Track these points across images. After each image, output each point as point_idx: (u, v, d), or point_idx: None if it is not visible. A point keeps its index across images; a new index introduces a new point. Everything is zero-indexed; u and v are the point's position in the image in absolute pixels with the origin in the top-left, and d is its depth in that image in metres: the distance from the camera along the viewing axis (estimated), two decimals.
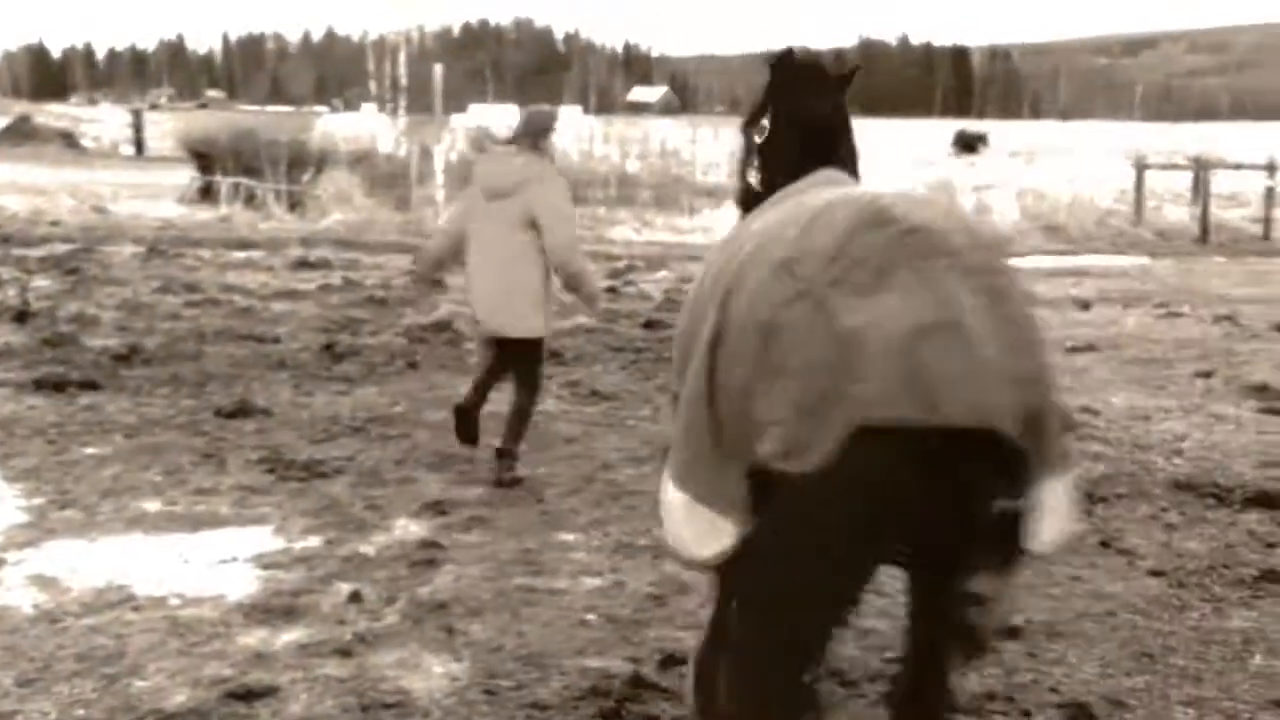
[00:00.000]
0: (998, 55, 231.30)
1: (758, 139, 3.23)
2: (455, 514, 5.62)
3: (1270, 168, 22.96)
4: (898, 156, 29.08)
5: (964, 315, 2.29)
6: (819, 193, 2.74)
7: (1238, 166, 27.23)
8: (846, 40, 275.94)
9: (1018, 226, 22.12)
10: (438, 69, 22.39)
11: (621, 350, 10.01)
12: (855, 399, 2.24)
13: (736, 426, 2.46)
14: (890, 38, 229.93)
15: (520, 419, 6.24)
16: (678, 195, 24.07)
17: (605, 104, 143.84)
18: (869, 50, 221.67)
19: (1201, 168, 23.97)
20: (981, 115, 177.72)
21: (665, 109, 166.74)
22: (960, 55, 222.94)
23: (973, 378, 2.25)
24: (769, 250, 2.50)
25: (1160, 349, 10.63)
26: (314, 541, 5.18)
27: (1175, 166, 27.68)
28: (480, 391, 6.37)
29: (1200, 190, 23.31)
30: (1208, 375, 9.38)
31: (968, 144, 50.51)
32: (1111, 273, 17.34)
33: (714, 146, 27.36)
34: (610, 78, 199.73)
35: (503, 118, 27.24)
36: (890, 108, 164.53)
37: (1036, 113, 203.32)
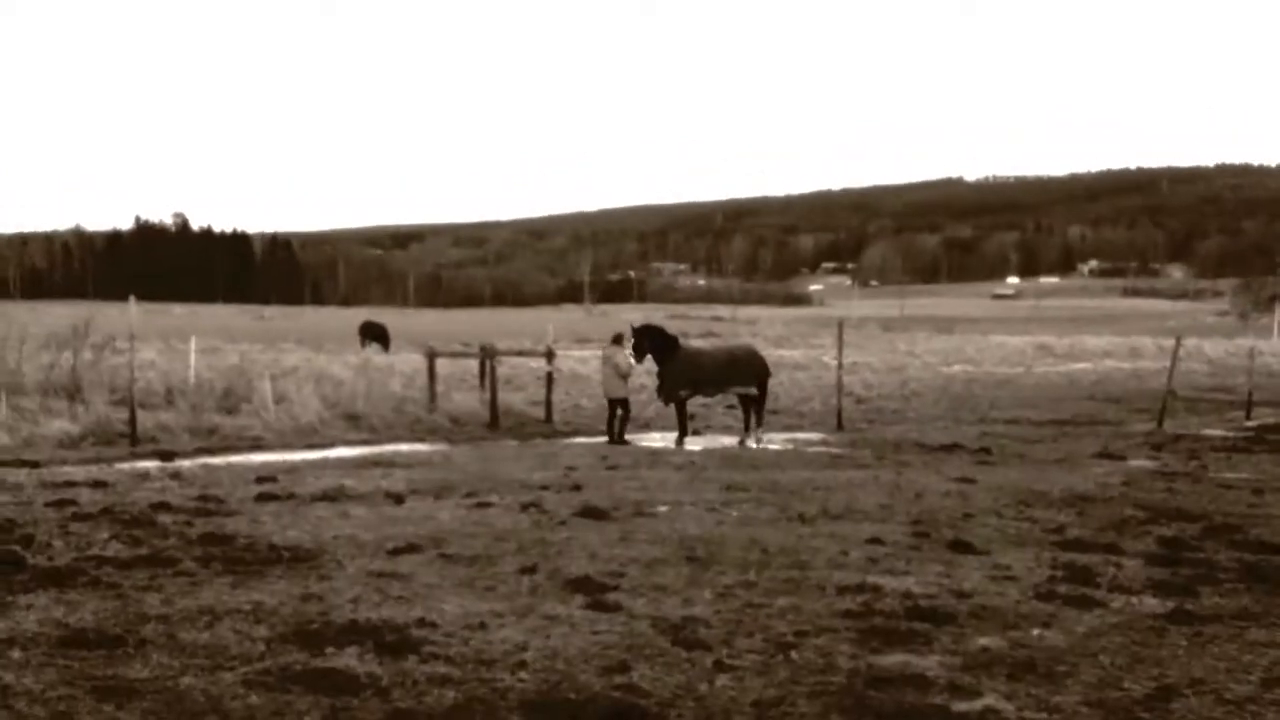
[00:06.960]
0: (278, 243, 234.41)
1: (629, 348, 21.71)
2: None
3: (549, 355, 24.79)
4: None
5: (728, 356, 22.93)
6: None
7: (520, 353, 29.22)
8: (123, 222, 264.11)
9: (320, 415, 21.74)
10: None
11: None
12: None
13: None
14: (168, 220, 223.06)
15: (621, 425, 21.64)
16: None
17: None
18: (146, 233, 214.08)
19: (487, 355, 25.28)
20: (266, 300, 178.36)
21: None
22: (241, 241, 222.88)
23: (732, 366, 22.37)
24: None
25: (480, 544, 10.49)
26: None
27: (463, 354, 29.06)
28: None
29: (487, 376, 24.54)
30: (531, 570, 9.31)
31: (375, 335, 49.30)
32: (415, 461, 17.38)
33: None
34: None
35: None
36: (169, 292, 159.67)
37: (319, 299, 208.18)
